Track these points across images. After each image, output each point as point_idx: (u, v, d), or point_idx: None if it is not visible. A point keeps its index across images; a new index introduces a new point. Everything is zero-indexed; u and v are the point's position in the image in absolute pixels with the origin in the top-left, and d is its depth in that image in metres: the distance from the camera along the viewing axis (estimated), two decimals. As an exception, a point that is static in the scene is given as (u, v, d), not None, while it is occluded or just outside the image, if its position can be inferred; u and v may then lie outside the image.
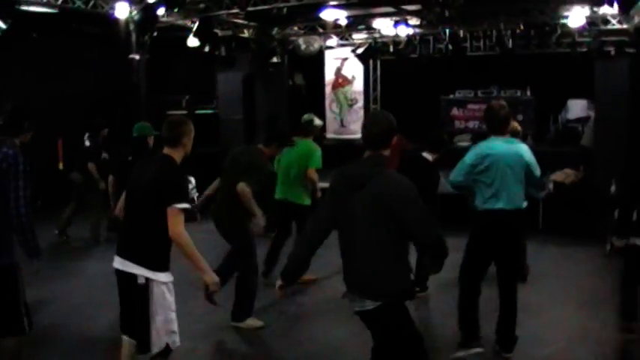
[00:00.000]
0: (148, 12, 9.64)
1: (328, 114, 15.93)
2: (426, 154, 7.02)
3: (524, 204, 5.42)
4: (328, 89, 15.86)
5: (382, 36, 13.58)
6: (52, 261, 8.16)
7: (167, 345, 4.29)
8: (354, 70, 15.49)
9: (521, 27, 11.68)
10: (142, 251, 4.20)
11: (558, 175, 10.74)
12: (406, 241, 3.68)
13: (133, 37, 10.46)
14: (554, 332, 6.20)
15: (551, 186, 10.63)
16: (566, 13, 11.14)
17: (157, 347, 4.28)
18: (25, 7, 9.50)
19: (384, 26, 12.51)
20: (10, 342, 4.54)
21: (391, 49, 14.04)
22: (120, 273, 4.31)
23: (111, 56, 11.74)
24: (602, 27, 11.18)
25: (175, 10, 9.96)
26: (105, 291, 7.06)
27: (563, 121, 14.64)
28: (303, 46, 14.17)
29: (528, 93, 14.92)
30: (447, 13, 8.66)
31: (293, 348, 5.92)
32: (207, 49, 11.66)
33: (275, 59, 13.80)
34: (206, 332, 6.19)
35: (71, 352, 5.77)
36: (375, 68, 16.68)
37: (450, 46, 12.49)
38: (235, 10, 10.53)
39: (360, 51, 13.76)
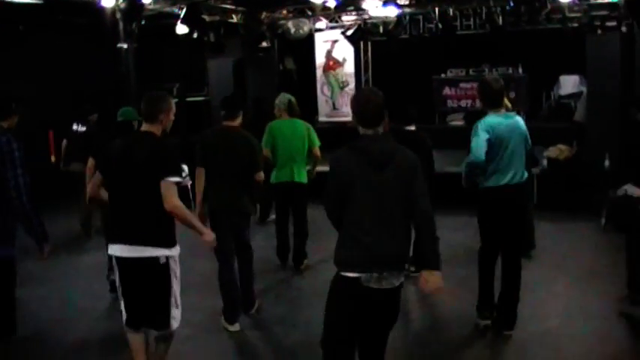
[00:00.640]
0: (133, 0, 9.55)
1: (320, 97, 15.86)
2: (410, 128, 7.02)
3: (526, 177, 5.44)
4: (319, 72, 15.77)
5: (371, 17, 13.48)
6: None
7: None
8: (345, 52, 15.40)
9: (511, 4, 11.59)
10: (155, 231, 4.18)
11: (552, 151, 10.73)
12: None
13: (121, 26, 10.36)
14: (552, 307, 6.22)
15: (545, 162, 10.64)
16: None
17: (176, 322, 4.38)
18: (10, -1, 9.42)
19: (373, 7, 12.41)
20: None
21: (381, 30, 13.94)
22: (129, 260, 4.20)
23: (99, 46, 11.66)
24: (593, 1, 11.12)
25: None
26: (101, 283, 7.14)
27: (556, 98, 14.63)
28: (292, 30, 14.07)
29: (520, 70, 14.86)
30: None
31: (292, 332, 5.92)
32: (195, 35, 11.57)
33: (265, 44, 13.72)
34: (203, 319, 6.17)
35: (70, 349, 5.70)
36: (365, 50, 16.57)
37: (440, 25, 12.40)
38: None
39: (349, 33, 13.67)
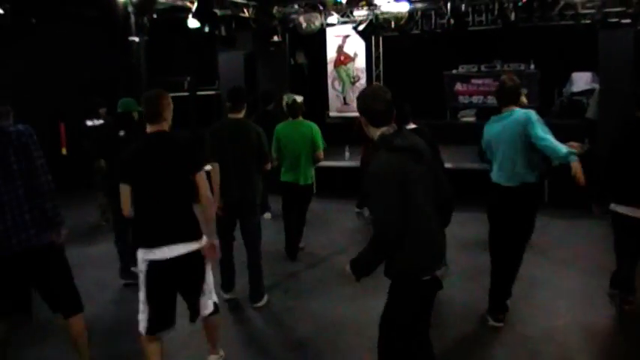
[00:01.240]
0: (146, -7, 9.56)
1: (331, 92, 15.83)
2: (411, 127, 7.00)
3: (531, 178, 5.28)
4: (330, 67, 15.74)
5: (383, 12, 13.43)
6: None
7: (214, 303, 4.60)
8: (356, 47, 15.35)
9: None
10: (192, 225, 4.27)
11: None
12: None
13: (132, 19, 10.37)
14: (563, 304, 6.20)
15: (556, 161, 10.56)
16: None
17: (208, 308, 4.52)
18: (22, -7, 9.43)
19: (385, 2, 12.36)
20: (77, 321, 4.67)
21: (392, 25, 13.88)
22: (170, 262, 4.19)
23: (110, 39, 11.67)
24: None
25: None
26: (109, 272, 7.19)
27: (568, 94, 14.56)
28: (304, 24, 14.03)
29: (532, 66, 14.81)
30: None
31: (300, 325, 5.94)
32: (207, 29, 11.55)
33: (276, 38, 13.66)
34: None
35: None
36: (377, 45, 16.52)
37: (453, 21, 12.33)
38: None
39: (361, 28, 13.61)
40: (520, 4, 11.68)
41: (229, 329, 5.76)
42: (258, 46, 13.83)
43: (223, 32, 12.23)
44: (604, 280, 6.78)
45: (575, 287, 6.71)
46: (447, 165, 7.46)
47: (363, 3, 13.15)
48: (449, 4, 12.26)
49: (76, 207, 10.19)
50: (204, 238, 4.34)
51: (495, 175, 5.42)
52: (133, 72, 10.93)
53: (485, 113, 15.12)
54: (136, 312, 4.36)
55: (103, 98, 9.94)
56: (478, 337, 5.54)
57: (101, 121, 9.58)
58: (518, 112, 5.19)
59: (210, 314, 4.62)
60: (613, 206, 5.51)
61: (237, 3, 12.29)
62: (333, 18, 13.99)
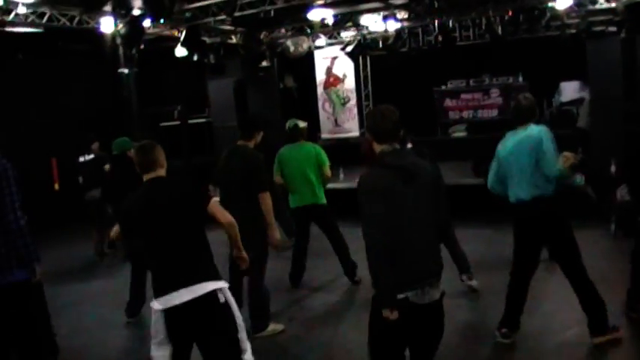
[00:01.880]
0: (134, 25, 9.51)
1: (322, 114, 15.86)
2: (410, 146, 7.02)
3: (544, 191, 5.25)
4: (320, 89, 15.78)
5: (370, 32, 13.50)
6: (57, 283, 8.06)
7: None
8: (345, 68, 15.42)
9: (510, 13, 11.61)
10: (207, 266, 4.08)
11: (558, 160, 10.67)
12: None
13: (121, 51, 10.36)
14: (569, 317, 6.11)
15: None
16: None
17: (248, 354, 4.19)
18: (9, 29, 9.39)
19: (372, 22, 12.43)
20: None
21: (380, 45, 13.96)
22: (184, 306, 3.87)
23: (100, 72, 11.67)
24: (591, 7, 11.12)
25: (161, 21, 9.84)
26: (114, 311, 7.07)
27: (557, 105, 14.62)
28: (292, 48, 14.10)
29: (520, 79, 14.89)
30: (435, 4, 8.58)
31: (309, 354, 5.86)
32: (196, 57, 11.57)
33: (265, 63, 13.70)
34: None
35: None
36: (364, 65, 16.62)
37: (441, 37, 12.41)
38: (222, 17, 10.44)
39: (349, 49, 13.68)
40: (507, 17, 11.78)
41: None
42: (247, 72, 13.88)
43: (212, 60, 12.25)
44: (609, 291, 6.72)
45: (576, 300, 6.62)
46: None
47: (350, 24, 13.22)
48: (436, 21, 12.33)
49: (68, 242, 10.10)
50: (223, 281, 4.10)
51: (512, 193, 5.36)
52: (124, 104, 10.88)
53: (475, 128, 15.20)
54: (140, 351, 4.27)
55: (95, 132, 9.92)
56: (489, 355, 5.47)
57: (91, 156, 9.58)
58: (533, 128, 5.27)
59: None
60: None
61: (224, 30, 12.32)
62: (321, 40, 14.07)
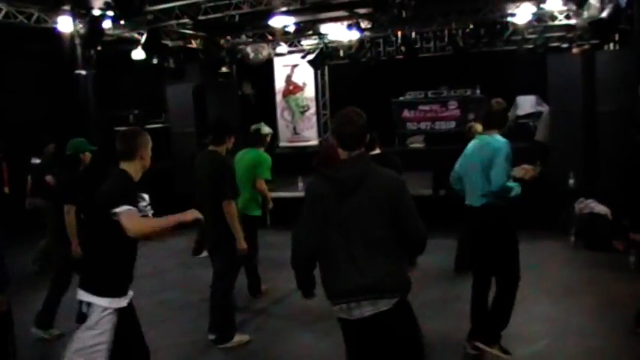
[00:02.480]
0: (93, 25, 9.28)
1: (280, 122, 15.76)
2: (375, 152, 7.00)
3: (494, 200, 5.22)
4: (279, 97, 15.69)
5: (331, 41, 13.50)
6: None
7: None
8: (305, 76, 15.37)
9: (471, 26, 11.75)
10: (93, 277, 3.87)
11: (517, 172, 10.76)
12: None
13: (79, 51, 10.06)
14: (538, 328, 6.13)
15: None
16: (513, 11, 11.26)
17: None
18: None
19: (334, 31, 12.44)
20: None
21: (341, 54, 13.98)
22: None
23: (56, 73, 11.30)
24: (550, 23, 11.35)
25: (122, 22, 9.61)
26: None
27: (513, 118, 14.84)
28: (251, 55, 14.01)
29: (478, 91, 15.09)
30: (404, 14, 8.59)
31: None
32: (155, 61, 11.35)
33: (224, 69, 13.58)
34: (186, 354, 5.94)
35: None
36: (322, 74, 16.60)
37: (404, 48, 12.48)
38: (185, 20, 10.25)
39: (311, 57, 13.64)
40: (467, 30, 11.92)
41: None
42: (206, 78, 13.69)
43: (172, 64, 12.05)
44: (573, 300, 6.85)
45: (546, 310, 6.69)
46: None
47: (312, 32, 13.20)
48: (399, 32, 12.39)
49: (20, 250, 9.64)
50: (103, 299, 3.82)
51: (468, 197, 5.42)
52: (81, 106, 10.55)
53: (433, 139, 15.32)
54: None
55: (49, 134, 9.57)
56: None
57: (39, 160, 9.23)
58: (497, 139, 5.23)
59: None
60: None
61: (185, 34, 12.13)
62: (282, 48, 13.98)
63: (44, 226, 8.92)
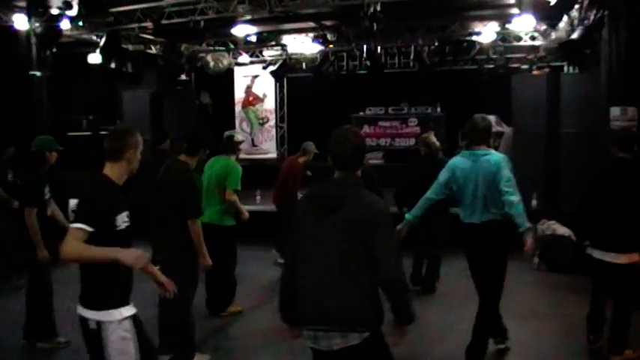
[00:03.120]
0: (51, 25, 8.87)
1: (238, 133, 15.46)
2: None
3: (497, 217, 5.17)
4: (238, 108, 15.42)
5: (294, 53, 13.33)
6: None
7: None
8: (265, 87, 15.15)
9: (436, 43, 11.74)
10: (85, 288, 3.63)
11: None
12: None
13: (34, 52, 9.60)
14: (514, 354, 6.00)
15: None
16: (480, 29, 11.30)
17: None
18: None
19: (297, 42, 12.28)
20: None
21: (303, 66, 13.82)
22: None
23: (9, 73, 10.76)
24: (515, 43, 11.43)
25: (82, 23, 9.23)
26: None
27: (472, 137, 14.89)
28: (211, 64, 13.73)
29: (438, 109, 15.10)
30: (375, 27, 8.47)
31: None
32: (113, 65, 10.96)
33: (183, 77, 13.26)
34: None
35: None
36: (282, 86, 16.39)
37: (369, 63, 12.39)
38: (147, 24, 9.91)
39: (274, 68, 13.44)
40: (433, 47, 11.91)
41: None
42: (164, 85, 13.34)
43: (129, 69, 11.66)
44: (542, 324, 6.76)
45: (517, 335, 6.54)
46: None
47: (274, 43, 13.01)
48: (364, 47, 12.29)
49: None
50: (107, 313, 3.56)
51: (466, 215, 5.29)
52: (33, 109, 10.06)
53: (392, 156, 15.26)
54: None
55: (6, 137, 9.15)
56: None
57: None
58: (494, 153, 5.27)
59: None
60: (590, 250, 5.58)
61: (145, 39, 11.77)
62: (244, 57, 13.75)
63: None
